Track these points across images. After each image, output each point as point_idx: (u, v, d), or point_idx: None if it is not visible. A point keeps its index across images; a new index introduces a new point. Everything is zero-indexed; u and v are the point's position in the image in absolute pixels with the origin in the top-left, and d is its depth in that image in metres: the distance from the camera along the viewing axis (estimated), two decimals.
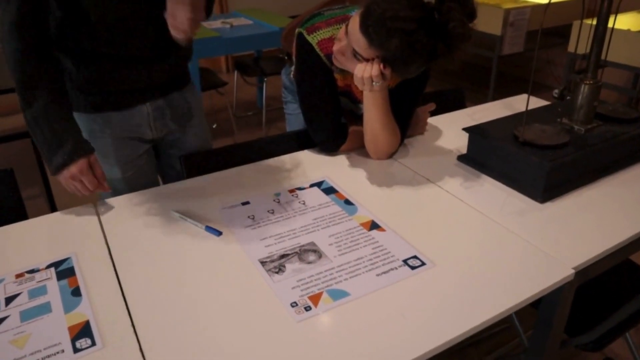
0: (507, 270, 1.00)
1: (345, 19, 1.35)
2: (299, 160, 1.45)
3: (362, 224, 1.15)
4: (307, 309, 0.91)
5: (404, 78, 1.34)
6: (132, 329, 0.88)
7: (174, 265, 1.03)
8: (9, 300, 0.94)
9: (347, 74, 1.39)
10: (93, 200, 1.25)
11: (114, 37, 1.25)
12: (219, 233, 1.12)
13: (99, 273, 1.01)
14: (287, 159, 1.46)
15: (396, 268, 1.01)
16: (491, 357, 1.80)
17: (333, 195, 1.27)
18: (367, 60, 1.20)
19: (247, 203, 1.24)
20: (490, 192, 1.28)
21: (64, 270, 1.02)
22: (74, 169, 1.16)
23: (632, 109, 1.45)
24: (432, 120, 1.66)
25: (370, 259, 1.04)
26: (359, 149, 1.48)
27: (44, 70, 1.16)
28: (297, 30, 1.40)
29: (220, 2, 4.86)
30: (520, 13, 3.73)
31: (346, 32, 1.22)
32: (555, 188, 1.25)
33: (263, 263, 1.03)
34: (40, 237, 1.13)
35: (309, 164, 1.43)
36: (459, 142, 1.50)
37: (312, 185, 1.32)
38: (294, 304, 0.92)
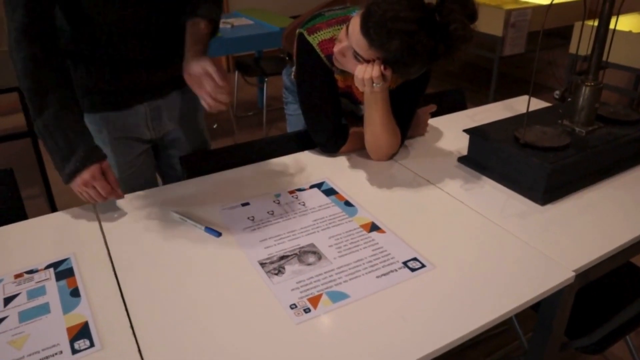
0: (507, 272, 1.00)
1: (346, 20, 1.34)
2: (300, 161, 1.45)
3: (362, 226, 1.15)
4: (307, 310, 0.91)
5: (405, 79, 1.34)
6: (130, 330, 0.87)
7: (173, 266, 1.03)
8: (7, 300, 0.94)
9: (348, 75, 1.38)
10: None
11: (114, 40, 1.25)
12: (219, 234, 1.12)
13: (98, 274, 1.01)
14: (287, 159, 1.46)
15: (396, 270, 1.01)
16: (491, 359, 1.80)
17: (333, 197, 1.27)
18: (367, 61, 1.20)
19: (247, 204, 1.24)
20: (491, 194, 1.27)
21: (63, 271, 1.01)
22: (86, 175, 1.14)
23: (634, 111, 1.45)
24: (432, 121, 1.66)
25: (370, 261, 1.03)
26: (360, 150, 1.47)
27: (54, 76, 1.15)
28: (297, 31, 1.40)
29: None
30: (522, 14, 3.73)
31: (347, 33, 1.22)
32: (556, 190, 1.24)
33: (262, 264, 1.03)
34: (40, 237, 1.13)
35: (309, 165, 1.42)
36: (460, 144, 1.50)
37: (312, 187, 1.32)
38: (293, 306, 0.92)
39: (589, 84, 1.32)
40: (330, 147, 1.46)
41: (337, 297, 0.94)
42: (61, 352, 0.83)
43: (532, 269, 1.01)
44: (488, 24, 3.75)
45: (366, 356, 0.82)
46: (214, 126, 3.77)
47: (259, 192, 1.29)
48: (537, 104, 1.76)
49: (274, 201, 1.25)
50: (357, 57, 1.21)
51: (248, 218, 1.18)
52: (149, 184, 1.48)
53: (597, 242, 1.09)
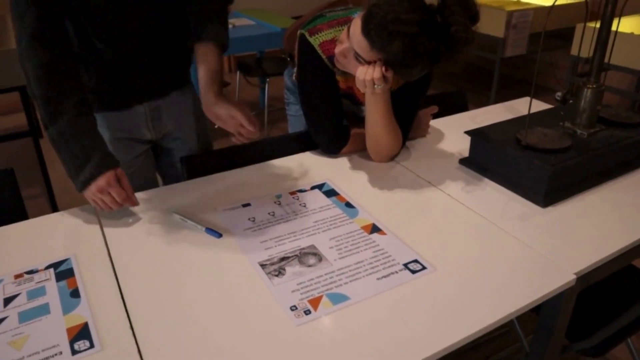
0: (508, 275, 1.00)
1: (347, 21, 1.34)
2: (301, 162, 1.45)
3: (363, 227, 1.15)
4: (307, 312, 0.91)
5: (406, 81, 1.34)
6: (130, 331, 0.87)
7: (174, 267, 1.02)
8: (7, 300, 0.94)
9: (349, 76, 1.38)
10: None
11: (114, 41, 1.25)
12: (219, 235, 1.12)
13: (98, 274, 1.01)
14: (288, 160, 1.46)
15: (397, 272, 1.01)
16: None
17: (334, 198, 1.26)
18: (369, 62, 1.20)
19: (247, 205, 1.24)
20: (492, 196, 1.27)
21: (63, 271, 1.01)
22: (101, 181, 1.12)
23: (635, 114, 1.45)
24: (434, 122, 1.65)
25: (371, 263, 1.03)
26: (361, 152, 1.47)
27: (67, 82, 1.13)
28: (299, 32, 1.40)
29: None
30: (523, 15, 3.73)
31: (348, 35, 1.22)
32: (558, 192, 1.24)
33: (263, 266, 1.03)
34: (40, 237, 1.12)
35: (310, 166, 1.42)
36: (461, 145, 1.50)
37: (313, 188, 1.31)
38: (293, 308, 0.92)
39: (590, 86, 1.32)
40: (331, 148, 1.46)
41: (338, 298, 0.94)
42: (61, 352, 0.83)
43: (533, 271, 1.01)
44: (489, 25, 3.75)
45: (367, 358, 0.82)
46: (216, 126, 3.76)
47: (260, 193, 1.29)
48: (539, 105, 1.76)
49: (275, 202, 1.25)
50: (358, 58, 1.21)
51: (249, 219, 1.18)
52: (149, 184, 1.48)
53: (598, 244, 1.09)
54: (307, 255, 1.06)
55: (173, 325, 0.88)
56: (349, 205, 1.24)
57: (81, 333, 0.86)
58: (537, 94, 1.49)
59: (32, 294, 0.96)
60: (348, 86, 1.44)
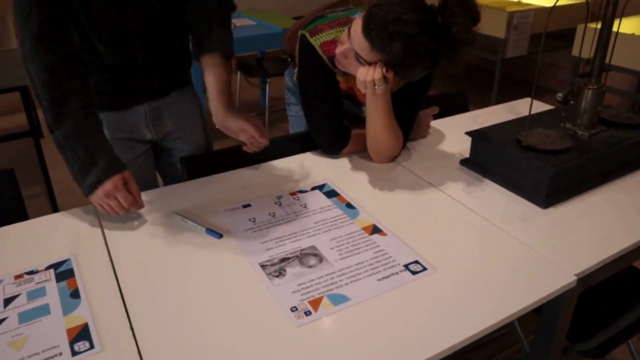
0: (508, 276, 1.00)
1: (348, 22, 1.34)
2: (301, 162, 1.45)
3: (364, 228, 1.15)
4: (307, 313, 0.91)
5: (407, 81, 1.34)
6: (130, 332, 0.87)
7: (174, 268, 1.02)
8: (7, 301, 0.94)
9: (350, 77, 1.38)
10: None
11: (114, 42, 1.25)
12: (220, 235, 1.12)
13: (98, 275, 1.01)
14: (289, 161, 1.46)
15: (397, 273, 1.01)
16: None
17: (335, 199, 1.26)
18: (369, 63, 1.20)
19: (248, 205, 1.24)
20: (493, 197, 1.27)
21: (64, 272, 1.01)
22: (108, 185, 1.10)
23: (636, 114, 1.44)
24: (435, 123, 1.65)
25: (371, 264, 1.03)
26: (362, 152, 1.47)
27: (72, 84, 1.11)
28: (300, 33, 1.40)
29: None
30: (524, 16, 3.72)
31: (349, 35, 1.22)
32: (558, 193, 1.24)
33: (263, 266, 1.02)
34: (40, 237, 1.12)
35: (311, 167, 1.42)
36: (462, 146, 1.50)
37: (313, 188, 1.31)
38: (294, 309, 0.92)
39: (591, 86, 1.32)
40: (332, 148, 1.46)
41: (338, 299, 0.94)
42: (61, 353, 0.83)
43: (533, 272, 1.01)
44: (490, 26, 3.75)
45: (367, 359, 0.82)
46: (217, 126, 3.76)
47: (260, 194, 1.29)
48: (540, 106, 1.76)
49: (276, 203, 1.25)
50: (359, 59, 1.21)
51: (249, 220, 1.18)
52: (150, 184, 1.48)
53: (599, 246, 1.08)
54: (308, 256, 1.05)
55: (173, 326, 0.88)
56: (349, 206, 1.23)
57: (81, 334, 0.86)
58: (538, 95, 1.49)
59: (32, 295, 0.95)
60: (349, 87, 1.44)
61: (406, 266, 1.02)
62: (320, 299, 0.94)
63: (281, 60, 3.79)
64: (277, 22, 3.63)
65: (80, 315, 0.90)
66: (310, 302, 0.93)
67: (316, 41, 1.36)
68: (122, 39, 1.26)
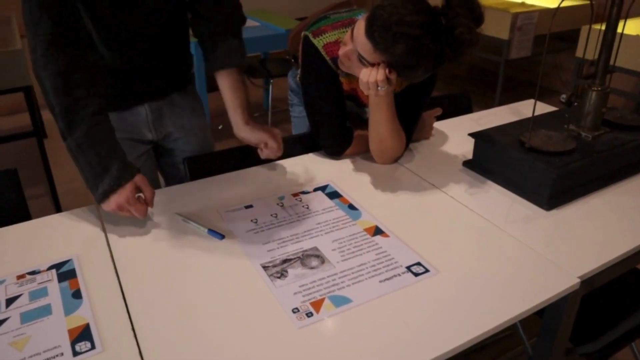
0: (511, 278, 0.99)
1: (351, 23, 1.34)
2: (304, 163, 1.45)
3: (366, 229, 1.14)
4: (309, 315, 0.91)
5: (410, 83, 1.34)
6: (132, 332, 0.87)
7: (176, 269, 1.02)
8: (9, 301, 0.94)
9: (353, 78, 1.38)
10: None
11: (119, 47, 1.25)
12: (222, 236, 1.11)
13: (100, 275, 1.01)
14: (291, 162, 1.46)
15: (399, 274, 1.00)
16: None
17: (337, 200, 1.26)
18: (372, 64, 1.19)
19: (250, 206, 1.23)
20: (496, 198, 1.27)
21: (65, 272, 1.01)
22: (121, 199, 1.10)
23: None
24: (438, 124, 1.65)
25: (374, 265, 1.03)
26: (364, 153, 1.47)
27: (85, 90, 1.10)
28: (303, 34, 1.40)
29: None
30: (528, 17, 3.72)
31: (352, 36, 1.21)
32: (562, 195, 1.23)
33: (265, 267, 1.02)
34: (43, 238, 1.12)
35: (313, 168, 1.42)
36: (465, 148, 1.49)
37: (316, 189, 1.31)
38: (295, 310, 0.92)
39: (595, 88, 1.31)
40: (334, 149, 1.46)
41: (340, 301, 0.94)
42: (62, 354, 0.83)
43: (536, 274, 1.00)
44: (494, 28, 3.74)
45: None
46: (220, 127, 3.77)
47: (263, 195, 1.29)
48: (543, 108, 1.75)
49: (278, 204, 1.25)
50: (362, 60, 1.21)
51: (251, 221, 1.18)
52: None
53: (602, 248, 1.08)
54: (310, 257, 1.05)
55: (174, 327, 0.88)
56: (351, 207, 1.23)
57: (82, 334, 0.86)
58: (541, 96, 1.49)
59: (34, 295, 0.95)
60: (352, 88, 1.44)
61: (408, 268, 1.02)
62: (322, 300, 0.94)
63: (284, 61, 3.79)
64: (280, 23, 3.64)
65: (81, 315, 0.90)
66: (312, 304, 0.93)
67: (319, 42, 1.35)
68: (127, 43, 1.26)
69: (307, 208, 1.23)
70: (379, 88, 1.21)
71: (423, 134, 1.58)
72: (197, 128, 1.50)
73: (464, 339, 0.86)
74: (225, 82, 1.35)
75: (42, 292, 0.96)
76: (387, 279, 0.99)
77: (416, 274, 1.00)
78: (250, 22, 3.71)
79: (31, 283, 0.98)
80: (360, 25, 1.17)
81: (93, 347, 0.84)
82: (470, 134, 1.38)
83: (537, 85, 1.26)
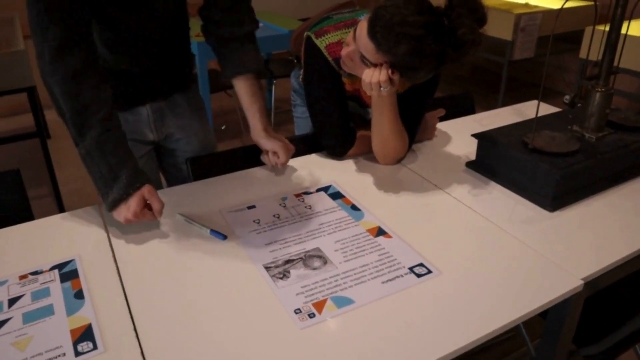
0: (514, 279, 0.99)
1: (354, 23, 1.34)
2: (306, 164, 1.44)
3: (369, 230, 1.14)
4: (311, 315, 0.90)
5: (413, 83, 1.33)
6: (134, 333, 0.87)
7: (178, 269, 1.02)
8: (12, 301, 0.94)
9: (356, 79, 1.38)
10: (98, 202, 1.25)
11: (124, 49, 1.25)
12: (224, 237, 1.11)
13: (102, 276, 1.01)
14: (294, 162, 1.45)
15: (402, 276, 1.00)
16: None
17: (340, 200, 1.26)
18: (375, 65, 1.19)
19: (252, 207, 1.23)
20: (499, 199, 1.26)
21: (68, 273, 1.01)
22: (129, 212, 1.08)
23: None
24: (441, 125, 1.65)
25: (376, 266, 1.03)
26: (367, 154, 1.47)
27: (94, 95, 1.09)
28: (305, 34, 1.40)
29: None
30: (532, 18, 3.71)
31: (354, 37, 1.21)
32: (565, 196, 1.23)
33: (267, 268, 1.02)
34: (45, 238, 1.13)
35: (316, 168, 1.42)
36: (468, 148, 1.49)
37: (318, 190, 1.31)
38: (297, 311, 0.91)
39: (599, 89, 1.31)
40: (337, 150, 1.46)
41: (342, 302, 0.93)
42: (64, 354, 0.83)
43: (539, 276, 1.00)
44: (498, 28, 3.74)
45: None
46: (222, 127, 3.78)
47: (265, 195, 1.29)
48: (547, 109, 1.75)
49: (280, 204, 1.24)
50: (364, 61, 1.20)
51: (254, 221, 1.18)
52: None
53: (606, 250, 1.07)
54: (312, 258, 1.05)
55: (176, 327, 0.88)
56: (354, 207, 1.23)
57: (85, 334, 0.86)
58: (545, 97, 1.48)
59: (37, 295, 0.96)
60: (354, 88, 1.44)
61: (411, 269, 1.02)
62: (324, 301, 0.94)
63: (287, 61, 3.80)
64: (283, 23, 3.64)
65: (84, 315, 0.90)
66: (314, 305, 0.93)
67: (322, 43, 1.35)
68: (133, 45, 1.26)
69: (310, 209, 1.23)
70: (382, 89, 1.20)
71: (426, 135, 1.57)
72: (198, 128, 1.50)
73: (466, 340, 0.85)
74: (242, 87, 1.37)
75: (45, 293, 0.96)
76: (390, 280, 0.99)
77: (419, 275, 1.00)
78: None
79: (33, 283, 0.99)
80: (362, 26, 1.17)
81: (95, 347, 0.84)
82: (474, 135, 1.38)
83: (541, 86, 1.26)
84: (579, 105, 1.37)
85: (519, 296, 0.95)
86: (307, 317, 0.90)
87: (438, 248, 1.08)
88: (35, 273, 1.01)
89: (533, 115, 1.28)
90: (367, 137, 1.42)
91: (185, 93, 1.46)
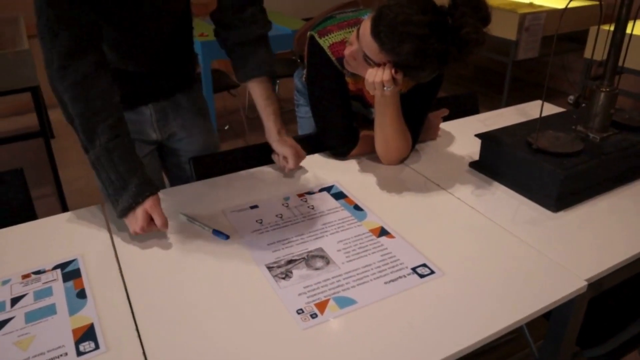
0: (517, 280, 0.98)
1: (357, 23, 1.34)
2: (309, 164, 1.44)
3: (371, 230, 1.14)
4: (313, 316, 0.90)
5: (416, 83, 1.33)
6: (136, 333, 0.87)
7: (180, 269, 1.02)
8: (14, 301, 0.94)
9: (359, 78, 1.38)
10: (101, 201, 1.25)
11: (128, 50, 1.25)
12: (226, 237, 1.11)
13: (104, 275, 1.01)
14: None
15: (405, 276, 1.00)
16: None
17: (342, 201, 1.26)
18: (378, 64, 1.19)
19: (255, 207, 1.23)
20: (503, 200, 1.26)
21: (70, 272, 1.01)
22: (137, 227, 1.07)
23: None
24: (444, 125, 1.64)
25: (379, 266, 1.02)
26: (370, 154, 1.46)
27: (103, 101, 1.08)
28: (309, 33, 1.39)
29: None
30: (536, 18, 3.70)
31: (358, 36, 1.21)
32: (569, 197, 1.22)
33: (270, 268, 1.02)
34: (48, 237, 1.13)
35: (319, 168, 1.41)
36: (472, 149, 1.48)
37: (321, 190, 1.31)
38: (300, 311, 0.91)
39: (604, 89, 1.30)
40: (340, 150, 1.45)
41: (345, 302, 0.93)
42: (66, 353, 0.83)
43: (543, 277, 0.99)
44: (502, 28, 3.72)
45: None
46: (225, 127, 3.78)
47: (268, 195, 1.28)
48: (551, 109, 1.74)
49: (283, 204, 1.24)
50: (367, 60, 1.20)
51: (256, 221, 1.18)
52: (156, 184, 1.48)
53: (610, 251, 1.07)
54: (315, 258, 1.05)
55: (178, 327, 0.88)
56: (357, 208, 1.23)
57: (87, 334, 0.86)
58: (549, 97, 1.48)
59: (39, 295, 0.96)
60: (357, 88, 1.44)
61: (414, 269, 1.01)
62: (327, 301, 0.93)
63: (290, 61, 3.79)
64: (286, 23, 3.63)
65: (86, 315, 0.90)
66: (317, 305, 0.92)
67: (325, 42, 1.35)
68: (139, 46, 1.26)
69: (313, 209, 1.22)
70: (385, 88, 1.20)
71: (429, 135, 1.57)
72: (201, 128, 1.50)
73: (469, 341, 0.85)
74: (256, 90, 1.37)
75: (47, 292, 0.96)
76: (392, 280, 0.98)
77: (421, 276, 1.00)
78: None
79: (36, 283, 0.99)
80: (366, 25, 1.17)
81: (97, 347, 0.84)
82: (477, 135, 1.37)
83: (545, 86, 1.26)
84: (584, 105, 1.36)
85: (522, 297, 0.94)
86: (310, 317, 0.90)
87: (441, 248, 1.08)
88: (38, 272, 1.01)
89: (537, 116, 1.28)
90: (370, 137, 1.42)
91: (188, 93, 1.46)
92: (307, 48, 1.41)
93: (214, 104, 3.40)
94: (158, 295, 0.95)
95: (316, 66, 1.40)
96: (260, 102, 1.38)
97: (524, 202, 1.24)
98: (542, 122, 1.27)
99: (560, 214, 1.20)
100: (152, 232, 1.12)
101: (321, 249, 1.08)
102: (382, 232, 1.13)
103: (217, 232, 1.12)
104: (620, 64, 1.29)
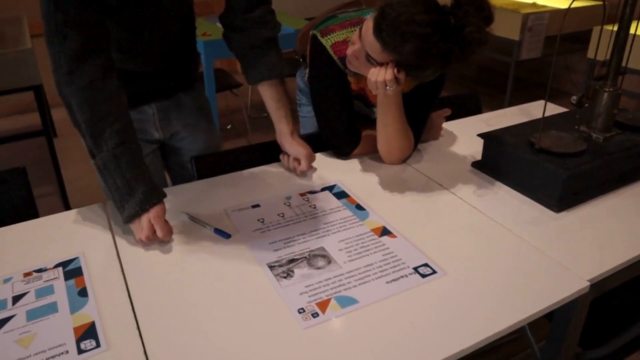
0: (520, 280, 0.98)
1: (360, 22, 1.33)
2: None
3: (373, 230, 1.14)
4: (315, 315, 0.90)
5: (419, 82, 1.33)
6: (137, 331, 0.87)
7: (182, 268, 1.02)
8: (16, 299, 0.94)
9: (361, 78, 1.37)
10: (103, 200, 1.25)
11: (132, 51, 1.25)
12: (228, 236, 1.11)
13: (106, 274, 1.01)
14: None
15: (406, 276, 0.99)
16: None
17: (344, 200, 1.25)
18: (380, 64, 1.19)
19: (257, 206, 1.23)
20: (505, 200, 1.25)
21: (72, 270, 1.01)
22: (142, 236, 1.07)
23: None
24: (447, 125, 1.64)
25: (380, 266, 1.02)
26: (372, 153, 1.46)
27: (111, 105, 1.07)
28: (311, 33, 1.39)
29: None
30: (539, 18, 3.69)
31: (360, 36, 1.21)
32: (572, 197, 1.22)
33: (271, 267, 1.02)
34: (50, 236, 1.13)
35: (321, 168, 1.41)
36: (474, 148, 1.48)
37: (323, 189, 1.30)
38: (301, 310, 0.91)
39: (607, 89, 1.29)
40: (342, 149, 1.45)
41: (346, 302, 0.93)
42: (67, 351, 0.83)
43: (545, 277, 0.99)
44: (505, 28, 3.72)
45: None
46: (228, 127, 3.78)
47: (270, 194, 1.28)
48: (554, 109, 1.74)
49: (285, 203, 1.24)
50: (370, 59, 1.20)
51: (258, 220, 1.18)
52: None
53: (613, 251, 1.06)
54: (316, 258, 1.05)
55: (179, 325, 0.88)
56: (359, 207, 1.22)
57: (88, 332, 0.86)
58: (552, 98, 1.47)
59: (41, 293, 0.96)
60: (360, 87, 1.43)
61: (415, 269, 1.01)
62: (328, 300, 0.93)
63: (293, 61, 3.78)
64: (289, 22, 3.63)
65: (87, 313, 0.90)
66: (318, 304, 0.92)
67: (327, 41, 1.35)
68: (145, 46, 1.26)
69: (314, 208, 1.22)
70: (388, 88, 1.20)
71: (432, 135, 1.57)
72: (203, 127, 1.50)
73: (471, 341, 0.85)
74: (267, 93, 1.38)
75: (48, 290, 0.96)
76: (394, 280, 0.98)
77: (423, 275, 0.99)
78: None
79: (37, 281, 0.99)
80: (368, 24, 1.17)
81: (98, 345, 0.84)
82: (480, 135, 1.37)
83: (548, 86, 1.25)
84: (587, 105, 1.36)
85: (524, 297, 0.94)
86: (311, 316, 0.90)
87: (443, 248, 1.07)
88: (40, 271, 1.01)
89: (540, 116, 1.27)
90: (373, 137, 1.42)
91: (190, 92, 1.46)
92: (309, 47, 1.41)
93: (216, 104, 3.40)
94: (159, 293, 0.95)
95: (318, 65, 1.39)
96: (271, 104, 1.38)
97: (526, 202, 1.24)
98: (544, 122, 1.27)
99: (563, 214, 1.19)
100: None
101: (323, 248, 1.07)
102: (384, 231, 1.13)
103: (219, 231, 1.12)
104: (623, 64, 1.29)
